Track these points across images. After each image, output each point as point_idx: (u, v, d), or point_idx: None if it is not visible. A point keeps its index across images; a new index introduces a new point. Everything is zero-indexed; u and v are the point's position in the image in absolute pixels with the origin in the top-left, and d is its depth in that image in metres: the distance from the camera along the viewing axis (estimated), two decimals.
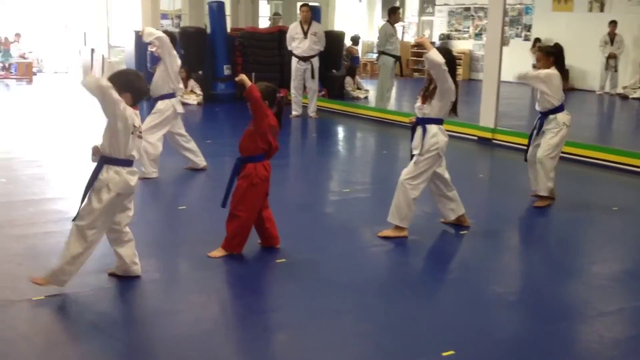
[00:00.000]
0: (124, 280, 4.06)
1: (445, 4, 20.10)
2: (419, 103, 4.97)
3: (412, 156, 4.97)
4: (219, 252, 4.43)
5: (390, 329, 3.58)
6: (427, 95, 4.90)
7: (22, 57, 17.12)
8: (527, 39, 17.63)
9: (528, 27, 18.02)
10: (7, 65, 16.92)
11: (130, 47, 13.74)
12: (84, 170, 6.89)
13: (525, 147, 6.21)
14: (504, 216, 5.86)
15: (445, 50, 4.95)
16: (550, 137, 5.85)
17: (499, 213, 5.95)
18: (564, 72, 5.98)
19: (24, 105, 11.55)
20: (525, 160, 6.08)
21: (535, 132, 6.00)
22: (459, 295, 4.09)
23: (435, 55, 4.66)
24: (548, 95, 5.79)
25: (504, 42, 9.76)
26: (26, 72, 16.83)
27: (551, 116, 5.86)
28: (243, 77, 4.35)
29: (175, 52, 6.64)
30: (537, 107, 5.96)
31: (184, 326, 3.51)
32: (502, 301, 4.05)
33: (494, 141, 9.03)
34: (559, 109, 5.86)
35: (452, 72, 4.83)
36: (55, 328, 3.48)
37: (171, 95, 6.69)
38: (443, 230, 5.34)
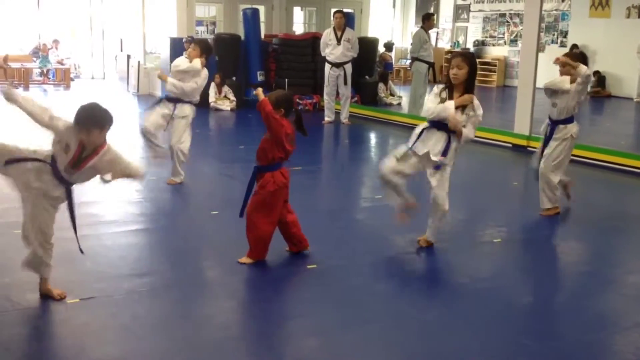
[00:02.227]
0: (156, 283, 4.10)
1: (480, 10, 19.96)
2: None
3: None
4: (246, 260, 4.45)
5: (420, 338, 3.55)
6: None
7: (60, 63, 17.45)
8: (563, 45, 17.40)
9: (564, 34, 17.79)
10: (45, 71, 17.26)
11: (165, 53, 13.91)
12: None
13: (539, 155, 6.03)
14: (537, 225, 5.78)
15: (470, 54, 4.93)
16: (555, 145, 5.74)
17: (533, 222, 5.87)
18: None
19: (61, 111, 11.73)
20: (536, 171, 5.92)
21: (545, 141, 5.85)
22: (491, 304, 4.03)
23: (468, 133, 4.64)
24: (570, 103, 5.68)
25: (540, 48, 9.65)
26: (64, 78, 17.15)
27: (561, 126, 5.74)
28: (259, 91, 4.35)
29: (196, 82, 6.57)
30: (554, 116, 5.77)
31: (214, 331, 3.53)
32: (536, 311, 3.99)
33: (529, 148, 8.91)
34: (571, 119, 5.75)
35: (474, 79, 4.71)
36: (89, 330, 3.52)
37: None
38: (475, 238, 5.29)
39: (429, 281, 4.49)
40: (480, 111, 4.68)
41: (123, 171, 3.72)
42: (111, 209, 5.85)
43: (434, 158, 4.65)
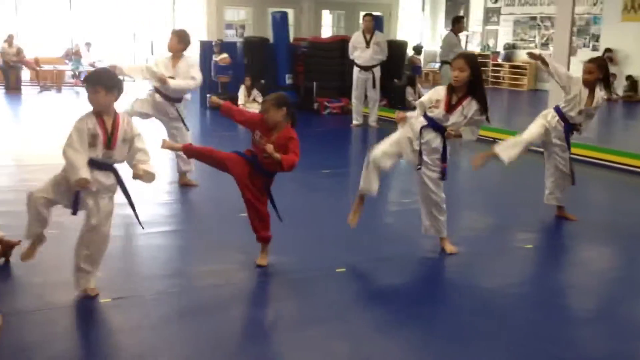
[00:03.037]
0: (187, 284, 4.13)
1: (511, 13, 19.80)
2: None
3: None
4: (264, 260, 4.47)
5: (451, 340, 3.52)
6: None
7: (92, 65, 17.68)
8: (595, 49, 17.19)
9: (596, 37, 17.57)
10: (77, 73, 17.51)
11: (195, 56, 14.02)
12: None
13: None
14: (568, 230, 5.70)
15: (472, 57, 4.88)
16: (565, 150, 5.68)
17: (564, 227, 5.79)
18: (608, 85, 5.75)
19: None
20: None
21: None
22: (527, 311, 3.98)
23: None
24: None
25: (572, 52, 9.54)
26: None
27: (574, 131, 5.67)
28: (214, 98, 4.42)
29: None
30: (577, 118, 5.60)
31: (244, 333, 3.54)
32: (574, 319, 3.93)
33: None
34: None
35: (480, 78, 4.71)
36: (121, 330, 3.56)
37: None
38: (509, 243, 5.23)
39: (459, 285, 4.45)
40: (484, 115, 4.65)
41: (142, 153, 3.77)
42: (143, 210, 5.90)
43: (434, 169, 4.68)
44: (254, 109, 12.72)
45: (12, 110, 13.29)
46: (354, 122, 11.30)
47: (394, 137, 4.84)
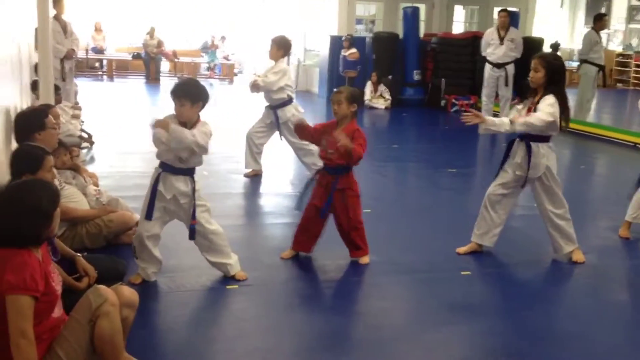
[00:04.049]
0: (309, 276, 4.17)
1: None
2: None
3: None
4: (367, 258, 4.43)
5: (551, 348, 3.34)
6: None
7: (226, 58, 18.34)
8: None
9: None
10: (212, 65, 18.22)
11: (324, 51, 14.18)
12: (277, 168, 7.23)
13: None
14: None
15: (553, 57, 4.55)
16: None
17: None
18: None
19: (225, 103, 12.33)
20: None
21: None
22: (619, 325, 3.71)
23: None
24: None
25: None
26: (228, 73, 18.01)
27: None
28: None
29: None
30: None
31: (366, 329, 3.53)
32: None
33: None
34: None
35: (556, 81, 4.36)
36: (246, 317, 3.64)
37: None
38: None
39: (588, 294, 4.20)
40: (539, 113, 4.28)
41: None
42: (268, 201, 6.05)
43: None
44: (380, 104, 12.72)
45: (151, 99, 14.02)
46: None
47: None
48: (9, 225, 2.46)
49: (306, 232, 4.42)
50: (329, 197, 4.26)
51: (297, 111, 6.60)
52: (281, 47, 6.53)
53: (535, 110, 4.33)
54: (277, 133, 6.76)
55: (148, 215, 3.82)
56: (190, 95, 3.70)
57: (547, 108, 4.25)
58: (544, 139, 4.41)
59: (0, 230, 2.47)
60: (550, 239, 4.64)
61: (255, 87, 6.52)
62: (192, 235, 3.85)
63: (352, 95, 4.25)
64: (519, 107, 4.58)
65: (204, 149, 3.74)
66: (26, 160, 3.34)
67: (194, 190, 3.81)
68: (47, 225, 2.55)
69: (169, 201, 3.81)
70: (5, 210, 2.49)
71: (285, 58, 6.69)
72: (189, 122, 3.74)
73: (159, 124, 3.75)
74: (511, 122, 4.31)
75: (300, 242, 4.45)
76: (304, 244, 4.44)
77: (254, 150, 6.73)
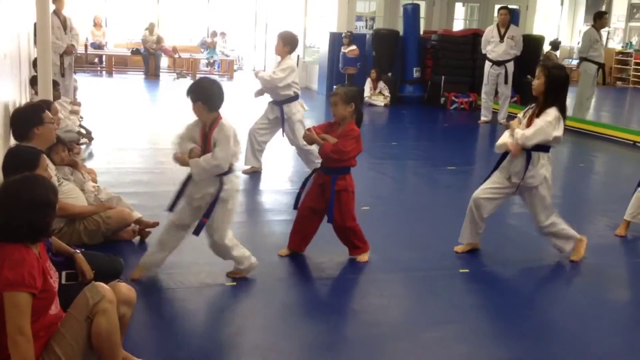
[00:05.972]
0: (308, 273, 4.17)
1: None
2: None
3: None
4: (365, 257, 4.41)
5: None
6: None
7: (225, 55, 18.31)
8: None
9: None
10: (211, 61, 18.19)
11: (324, 48, 14.16)
12: (276, 165, 7.21)
13: None
14: None
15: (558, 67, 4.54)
16: None
17: None
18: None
19: (225, 100, 12.28)
20: None
21: None
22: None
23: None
24: None
25: None
26: (228, 69, 17.99)
27: None
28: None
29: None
30: None
31: (362, 326, 3.53)
32: None
33: None
34: None
35: (555, 90, 4.39)
36: (244, 314, 3.65)
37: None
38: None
39: (587, 293, 4.20)
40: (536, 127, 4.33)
41: (209, 155, 3.74)
42: (267, 198, 6.04)
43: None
44: (379, 101, 12.70)
45: (150, 95, 14.00)
46: (482, 118, 10.99)
47: None
48: (19, 218, 2.45)
49: (299, 233, 4.43)
50: (330, 203, 4.23)
51: (302, 108, 6.62)
52: (287, 43, 6.52)
53: (537, 116, 4.31)
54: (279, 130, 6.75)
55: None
56: (195, 94, 3.76)
57: (547, 127, 4.29)
58: (545, 148, 4.39)
59: (9, 224, 2.46)
60: (550, 243, 4.64)
61: (259, 91, 6.62)
62: (198, 231, 3.84)
63: (347, 96, 4.20)
64: (520, 115, 4.57)
65: (231, 163, 3.78)
66: (22, 160, 3.31)
67: (219, 191, 3.78)
68: (54, 216, 2.60)
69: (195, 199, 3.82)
70: (13, 205, 2.48)
71: (293, 54, 6.68)
72: (207, 122, 3.77)
73: (178, 162, 3.78)
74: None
75: (293, 241, 4.45)
76: (297, 244, 4.44)
77: (255, 147, 6.71)
